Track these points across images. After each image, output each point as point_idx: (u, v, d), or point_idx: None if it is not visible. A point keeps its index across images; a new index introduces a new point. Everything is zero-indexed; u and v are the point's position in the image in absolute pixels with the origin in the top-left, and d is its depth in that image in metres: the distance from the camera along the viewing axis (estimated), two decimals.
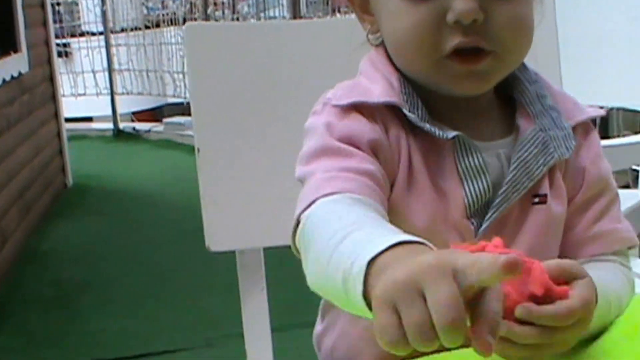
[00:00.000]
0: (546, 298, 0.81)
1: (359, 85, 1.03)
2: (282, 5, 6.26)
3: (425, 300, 0.66)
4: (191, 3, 7.07)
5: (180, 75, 7.41)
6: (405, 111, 0.98)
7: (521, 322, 0.81)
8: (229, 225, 1.41)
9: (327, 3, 5.37)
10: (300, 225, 0.92)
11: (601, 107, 1.16)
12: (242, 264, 1.43)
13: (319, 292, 0.90)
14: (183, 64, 7.36)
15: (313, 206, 0.91)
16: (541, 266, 0.82)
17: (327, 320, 1.15)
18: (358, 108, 0.99)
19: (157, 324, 3.40)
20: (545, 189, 1.03)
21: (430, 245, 0.76)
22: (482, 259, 0.66)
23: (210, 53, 1.41)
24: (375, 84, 1.01)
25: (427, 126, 0.98)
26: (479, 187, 0.99)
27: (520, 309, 0.80)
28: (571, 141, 1.03)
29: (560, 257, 1.05)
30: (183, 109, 7.63)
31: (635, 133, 2.21)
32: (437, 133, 0.97)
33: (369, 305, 0.73)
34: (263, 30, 1.49)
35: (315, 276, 0.87)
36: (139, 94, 7.85)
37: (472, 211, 1.00)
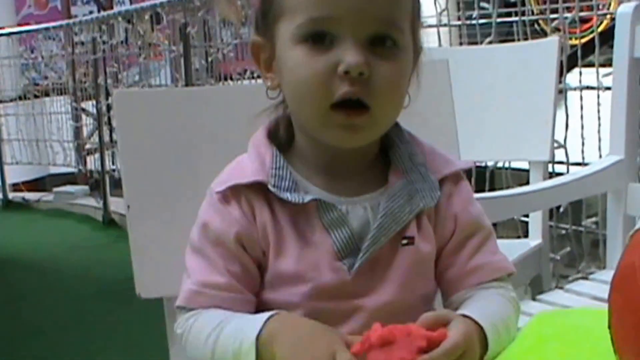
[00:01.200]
0: (431, 346, 0.98)
1: (238, 166, 1.23)
2: (167, 73, 6.36)
3: None
4: (83, 73, 7.09)
5: (70, 144, 7.43)
6: (270, 187, 1.16)
7: None
8: (157, 275, 1.51)
9: (210, 71, 5.49)
10: (180, 321, 1.21)
11: (485, 165, 1.32)
12: (170, 310, 1.52)
13: None
14: (75, 133, 7.39)
15: (186, 314, 1.20)
16: (417, 326, 1.00)
17: None
18: (232, 191, 1.19)
19: None
20: (412, 232, 1.17)
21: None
22: None
23: (138, 117, 1.53)
24: (251, 163, 1.20)
25: (287, 195, 1.15)
26: (343, 234, 1.14)
27: None
28: (436, 192, 1.18)
29: (443, 292, 1.23)
30: (67, 179, 7.66)
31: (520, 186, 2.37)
32: (294, 200, 1.14)
33: None
34: (185, 95, 1.62)
35: None
36: (29, 163, 7.82)
37: (344, 254, 1.15)
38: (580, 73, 3.15)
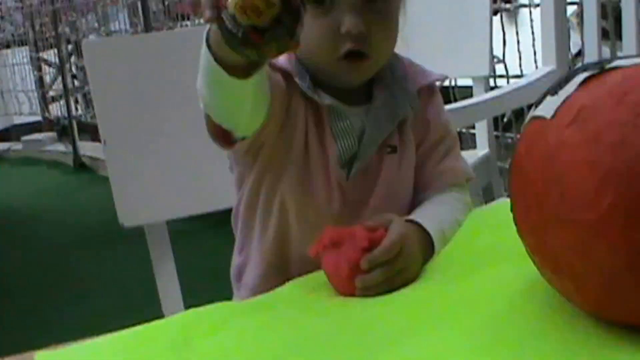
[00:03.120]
0: (373, 245, 1.13)
1: None
2: (124, 17, 6.41)
3: None
4: (41, 24, 7.15)
5: (35, 94, 7.52)
6: (296, 79, 1.26)
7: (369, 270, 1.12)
8: (137, 204, 1.68)
9: (167, 13, 5.57)
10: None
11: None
12: (151, 236, 1.70)
13: (203, 91, 1.14)
14: (36, 82, 7.48)
15: None
16: (360, 228, 1.15)
17: (244, 255, 1.39)
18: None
19: (43, 328, 3.50)
20: (395, 141, 1.32)
21: None
22: None
23: (106, 62, 1.68)
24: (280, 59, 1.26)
25: (310, 92, 1.26)
26: (347, 143, 1.28)
27: (363, 262, 1.11)
28: (415, 101, 1.33)
29: (415, 191, 1.37)
30: (32, 127, 7.73)
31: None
32: (316, 98, 1.26)
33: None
34: (148, 40, 1.79)
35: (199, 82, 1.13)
36: None
37: (344, 161, 1.29)
38: None
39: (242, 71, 1.05)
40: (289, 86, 1.27)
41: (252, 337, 1.05)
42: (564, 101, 0.92)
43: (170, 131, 1.70)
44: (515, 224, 0.98)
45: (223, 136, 1.22)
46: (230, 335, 1.06)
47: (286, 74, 1.27)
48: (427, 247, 1.23)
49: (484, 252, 1.22)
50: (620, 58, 0.96)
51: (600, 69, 0.92)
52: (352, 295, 1.12)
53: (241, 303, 1.23)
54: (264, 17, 0.82)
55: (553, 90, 0.95)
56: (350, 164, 1.30)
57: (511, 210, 0.99)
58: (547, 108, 0.93)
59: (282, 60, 1.27)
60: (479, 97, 2.51)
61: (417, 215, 1.27)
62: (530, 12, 3.23)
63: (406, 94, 1.33)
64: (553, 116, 0.92)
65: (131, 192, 1.69)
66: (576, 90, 0.92)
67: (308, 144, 1.28)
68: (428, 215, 1.28)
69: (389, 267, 1.13)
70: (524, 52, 3.30)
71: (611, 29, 3.04)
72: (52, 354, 1.06)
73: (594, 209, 0.85)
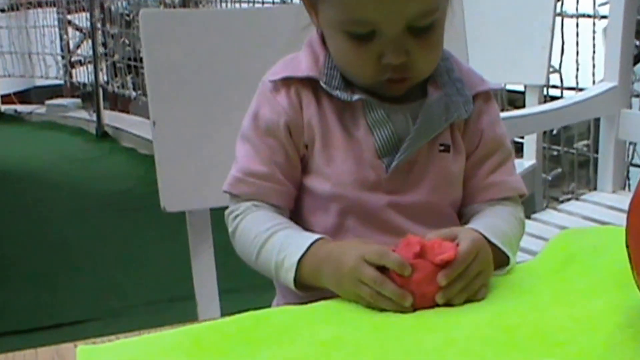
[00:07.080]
0: (424, 249, 1.08)
1: (293, 60, 1.31)
2: None
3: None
4: None
5: (60, 57, 7.47)
6: (321, 83, 1.25)
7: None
8: (181, 189, 1.60)
9: None
10: (228, 211, 1.32)
11: None
12: (192, 224, 1.62)
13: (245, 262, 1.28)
14: (63, 46, 7.43)
15: (232, 215, 1.31)
16: (414, 236, 1.11)
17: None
18: (284, 82, 1.27)
19: (62, 296, 3.46)
20: (448, 140, 1.27)
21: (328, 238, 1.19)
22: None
23: (163, 36, 1.60)
24: (305, 59, 1.28)
25: (337, 92, 1.24)
26: (384, 133, 1.24)
27: (440, 278, 1.06)
28: (470, 105, 1.28)
29: (462, 202, 1.32)
30: (53, 91, 7.70)
31: (516, 108, 2.44)
32: (344, 97, 1.24)
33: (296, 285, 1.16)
34: (209, 16, 1.69)
35: (244, 256, 1.27)
36: (21, 76, 7.86)
37: (383, 152, 1.24)
38: (577, 1, 3.21)
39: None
40: (305, 90, 1.28)
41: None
42: None
43: (223, 117, 1.61)
44: (631, 257, 0.92)
45: None
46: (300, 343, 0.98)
47: (311, 82, 1.27)
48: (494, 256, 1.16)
49: (578, 280, 1.12)
50: None
51: None
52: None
53: (302, 308, 1.14)
54: None
55: None
56: (392, 156, 1.25)
57: (627, 245, 0.92)
58: None
59: (306, 65, 1.28)
60: (534, 107, 2.43)
61: (477, 225, 1.20)
62: (594, 24, 3.14)
63: (461, 96, 1.28)
64: None
65: (177, 176, 1.60)
66: None
67: (329, 142, 1.27)
68: (487, 226, 1.20)
69: (466, 277, 1.08)
70: (582, 64, 3.20)
71: None
72: (95, 349, 0.99)
73: None
